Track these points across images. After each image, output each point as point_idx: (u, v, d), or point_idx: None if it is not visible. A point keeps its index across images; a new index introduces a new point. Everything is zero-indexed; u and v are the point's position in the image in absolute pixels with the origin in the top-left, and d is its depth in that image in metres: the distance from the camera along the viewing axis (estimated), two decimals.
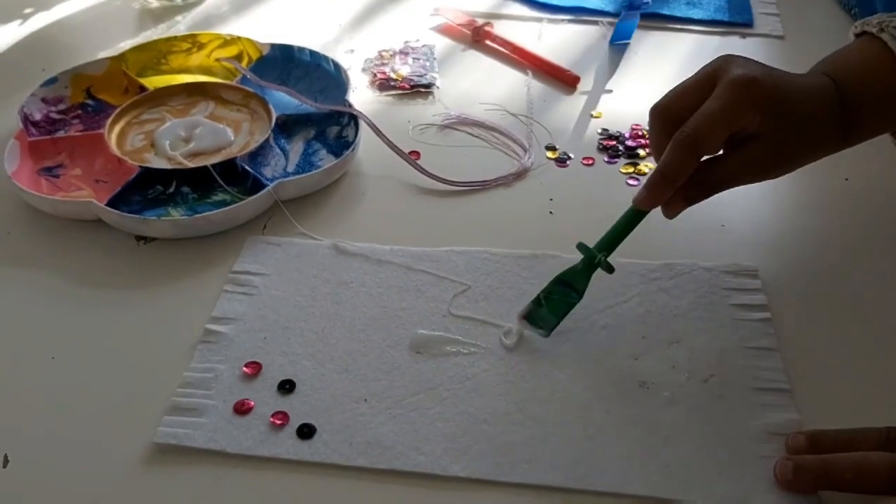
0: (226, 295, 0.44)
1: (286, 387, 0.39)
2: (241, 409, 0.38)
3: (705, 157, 0.40)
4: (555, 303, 0.41)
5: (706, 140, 0.38)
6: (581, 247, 0.41)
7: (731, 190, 0.51)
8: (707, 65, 0.40)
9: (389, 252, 0.46)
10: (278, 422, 0.37)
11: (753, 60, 0.40)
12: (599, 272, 0.40)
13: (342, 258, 0.46)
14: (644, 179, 0.52)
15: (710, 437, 0.36)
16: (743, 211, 0.50)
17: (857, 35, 0.43)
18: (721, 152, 0.41)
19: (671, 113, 0.40)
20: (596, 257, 0.40)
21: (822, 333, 0.42)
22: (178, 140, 0.54)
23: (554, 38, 0.68)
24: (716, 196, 0.51)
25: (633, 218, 0.40)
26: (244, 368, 0.40)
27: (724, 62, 0.40)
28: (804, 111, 0.40)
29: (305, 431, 0.37)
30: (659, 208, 0.41)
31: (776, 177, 0.42)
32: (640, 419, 0.37)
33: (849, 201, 0.51)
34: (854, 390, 0.39)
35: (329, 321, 0.42)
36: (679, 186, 0.39)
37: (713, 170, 0.40)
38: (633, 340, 0.41)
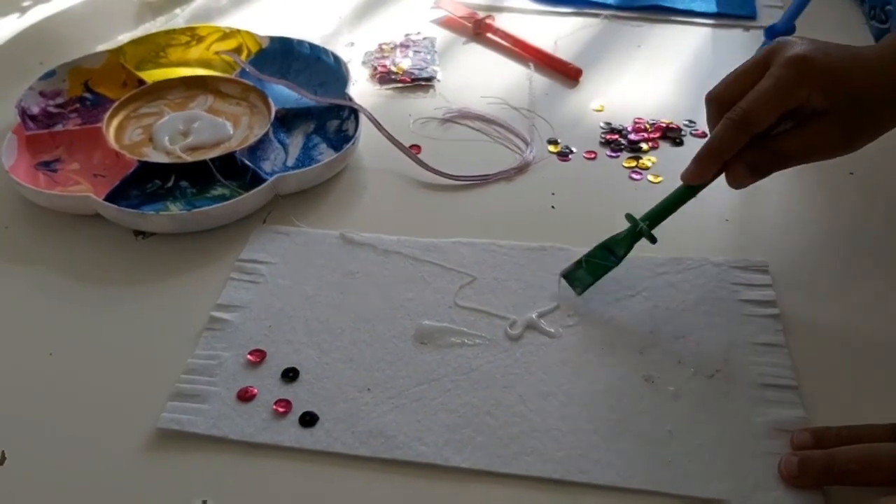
0: (232, 283, 0.44)
1: (290, 375, 0.39)
2: (245, 396, 0.38)
3: (775, 131, 0.40)
4: (594, 265, 0.42)
5: (756, 116, 0.38)
6: (628, 216, 0.42)
7: None
8: (759, 51, 0.41)
9: (396, 242, 0.46)
10: (281, 409, 0.37)
11: (810, 39, 0.40)
12: (644, 243, 0.41)
13: (349, 248, 0.46)
14: (646, 174, 0.52)
15: (715, 432, 0.36)
16: (748, 205, 0.50)
17: None
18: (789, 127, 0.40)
19: (725, 99, 0.40)
20: (638, 226, 0.41)
21: (829, 330, 0.41)
22: (176, 134, 0.54)
23: (555, 32, 0.68)
24: (721, 190, 0.51)
25: (683, 194, 0.41)
26: (248, 356, 0.40)
27: (778, 44, 0.40)
28: (869, 84, 0.39)
29: (308, 420, 0.37)
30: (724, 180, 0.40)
31: (853, 150, 0.41)
32: (644, 413, 0.37)
33: (854, 195, 0.50)
34: (861, 388, 0.39)
35: (334, 310, 0.42)
36: (745, 159, 0.39)
37: (782, 142, 0.40)
38: (639, 334, 0.41)
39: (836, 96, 0.38)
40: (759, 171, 0.40)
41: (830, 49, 0.40)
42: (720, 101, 0.40)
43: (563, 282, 0.42)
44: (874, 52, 0.40)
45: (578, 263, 0.42)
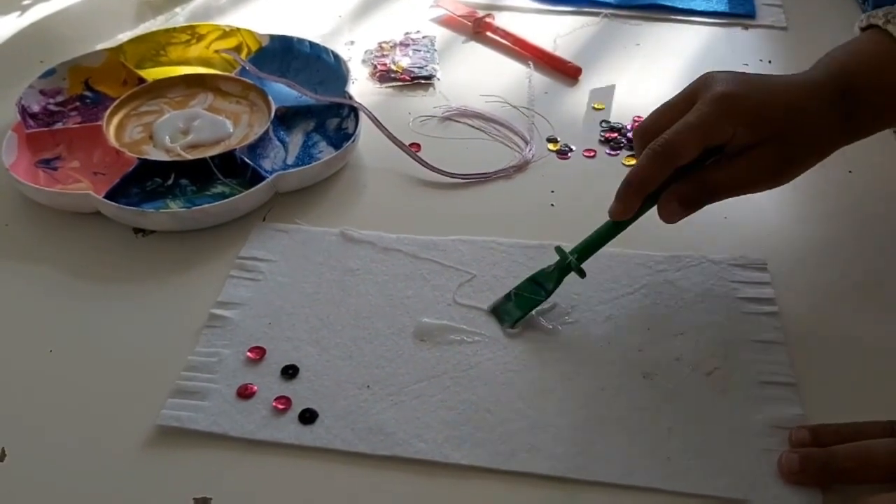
0: (231, 280, 0.44)
1: (289, 372, 0.39)
2: (245, 393, 0.38)
3: (709, 161, 0.40)
4: (523, 299, 0.41)
5: (678, 149, 0.38)
6: (558, 249, 0.42)
7: None
8: (689, 84, 0.41)
9: (396, 240, 0.46)
10: (281, 406, 0.37)
11: (736, 73, 0.40)
12: (574, 277, 0.41)
13: (349, 245, 0.46)
14: None
15: (714, 429, 0.36)
16: (747, 204, 0.49)
17: (864, 29, 0.43)
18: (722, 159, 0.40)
19: (651, 132, 0.40)
20: (567, 259, 0.41)
21: (828, 327, 0.41)
22: (176, 132, 0.54)
23: (555, 31, 0.68)
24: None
25: (610, 229, 0.41)
26: (248, 353, 0.40)
27: (705, 79, 0.40)
28: (795, 115, 0.39)
29: (307, 417, 0.37)
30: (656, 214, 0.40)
31: (782, 183, 0.41)
32: (643, 410, 0.37)
33: (853, 194, 0.51)
34: (859, 385, 0.39)
35: (334, 308, 0.42)
36: (675, 192, 0.39)
37: (712, 175, 0.40)
38: (638, 332, 0.41)
39: (764, 131, 0.38)
40: (690, 204, 0.40)
41: (755, 84, 0.40)
42: (647, 134, 0.40)
43: (492, 316, 0.41)
44: (804, 82, 0.41)
45: (507, 297, 0.42)
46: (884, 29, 0.41)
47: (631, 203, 0.39)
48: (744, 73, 0.41)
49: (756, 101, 0.39)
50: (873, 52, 0.41)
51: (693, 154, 0.39)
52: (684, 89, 0.41)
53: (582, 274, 0.41)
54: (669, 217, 0.40)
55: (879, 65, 0.40)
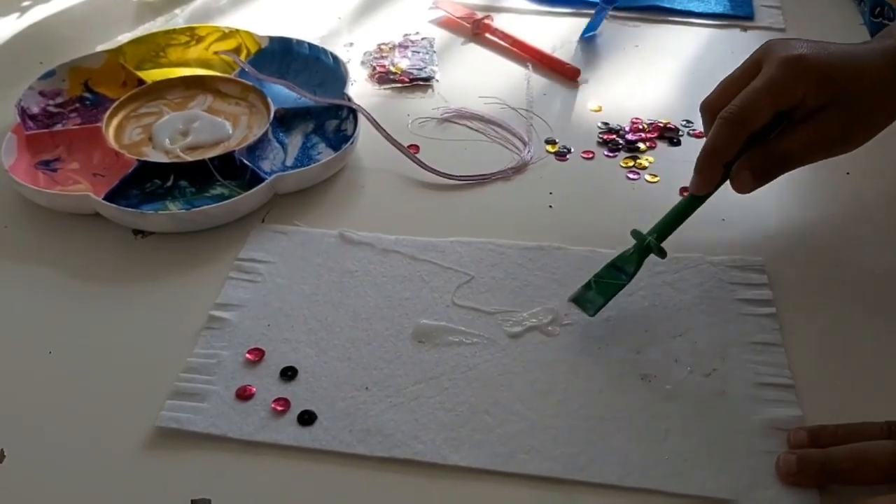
0: (230, 282, 0.44)
1: (288, 374, 0.39)
2: (243, 394, 0.38)
3: (780, 130, 0.40)
4: (604, 285, 0.41)
5: (749, 114, 0.38)
6: (634, 233, 0.41)
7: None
8: (750, 55, 0.41)
9: (394, 242, 0.46)
10: (280, 408, 0.37)
11: (800, 39, 0.40)
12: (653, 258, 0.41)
13: (347, 247, 0.46)
14: (644, 173, 0.53)
15: (712, 431, 0.36)
16: (744, 206, 0.50)
17: None
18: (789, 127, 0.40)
19: (719, 105, 0.40)
20: (646, 240, 0.41)
21: (825, 329, 0.42)
22: (176, 134, 0.54)
23: (554, 32, 0.68)
24: (718, 190, 0.51)
25: (688, 204, 0.41)
26: (247, 355, 0.40)
27: (767, 47, 0.40)
28: (862, 75, 0.39)
29: (306, 418, 0.37)
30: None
31: (852, 147, 0.41)
32: (641, 412, 0.37)
33: (850, 196, 0.51)
34: (857, 386, 0.39)
35: (333, 309, 0.42)
36: (747, 163, 0.39)
37: (782, 142, 0.40)
38: (636, 333, 0.41)
39: (832, 92, 0.38)
40: (763, 174, 0.40)
41: (823, 47, 0.40)
42: (714, 107, 0.40)
43: (574, 305, 0.42)
44: (866, 48, 0.40)
45: (587, 285, 0.42)
46: None
47: (710, 175, 0.39)
48: (805, 39, 0.40)
49: (823, 61, 0.38)
50: None
51: (765, 118, 0.39)
52: (746, 60, 0.41)
53: (662, 254, 0.41)
54: (742, 188, 0.40)
55: None
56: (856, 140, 0.41)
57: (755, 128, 0.39)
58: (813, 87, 0.38)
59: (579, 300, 0.42)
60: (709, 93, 0.42)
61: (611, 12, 0.70)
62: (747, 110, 0.38)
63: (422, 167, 0.52)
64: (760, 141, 0.40)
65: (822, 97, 0.39)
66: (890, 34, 0.41)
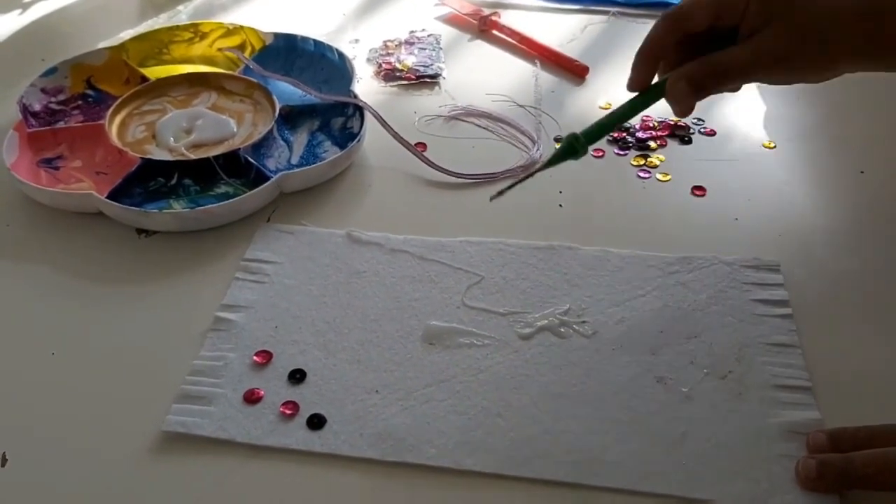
0: (237, 283, 0.43)
1: (296, 376, 0.38)
2: (251, 398, 0.37)
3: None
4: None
5: (689, 11, 0.37)
6: (569, 136, 0.39)
7: (747, 183, 0.51)
8: None
9: (403, 242, 0.46)
10: (288, 412, 0.37)
11: None
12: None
13: (355, 247, 0.45)
14: (654, 172, 0.52)
15: (729, 434, 0.36)
16: (758, 205, 0.49)
17: None
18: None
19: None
20: (575, 138, 0.38)
21: (843, 329, 0.41)
22: (180, 131, 0.53)
23: (561, 29, 0.67)
24: (729, 189, 0.50)
25: (627, 108, 0.39)
26: (254, 357, 0.39)
27: None
28: (818, 12, 0.37)
29: (315, 422, 0.36)
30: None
31: (799, 77, 0.39)
32: (656, 415, 0.36)
33: (865, 194, 0.50)
34: (877, 388, 0.38)
35: (341, 311, 0.42)
36: (684, 72, 0.37)
37: (721, 54, 0.38)
38: (650, 335, 0.40)
39: (773, 8, 0.37)
40: (698, 85, 0.38)
41: None
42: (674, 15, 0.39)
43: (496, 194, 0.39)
44: None
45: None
46: None
47: (642, 70, 0.38)
48: None
49: None
50: None
51: (703, 20, 0.38)
52: None
53: (578, 153, 0.38)
54: (676, 97, 0.38)
55: None
56: (802, 67, 0.38)
57: (693, 28, 0.38)
58: None
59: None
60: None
61: (620, 9, 0.69)
62: (687, 7, 0.38)
63: (430, 166, 0.51)
64: (700, 48, 0.38)
65: (765, 9, 0.37)
66: None
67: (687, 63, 0.38)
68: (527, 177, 0.40)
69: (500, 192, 0.39)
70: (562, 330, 0.40)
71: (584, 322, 0.41)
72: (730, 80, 0.38)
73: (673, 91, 0.38)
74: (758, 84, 0.57)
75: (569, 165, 0.53)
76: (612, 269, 0.44)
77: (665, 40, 0.38)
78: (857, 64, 0.38)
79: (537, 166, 0.39)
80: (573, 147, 0.38)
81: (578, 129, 0.55)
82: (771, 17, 0.37)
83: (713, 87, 0.38)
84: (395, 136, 0.52)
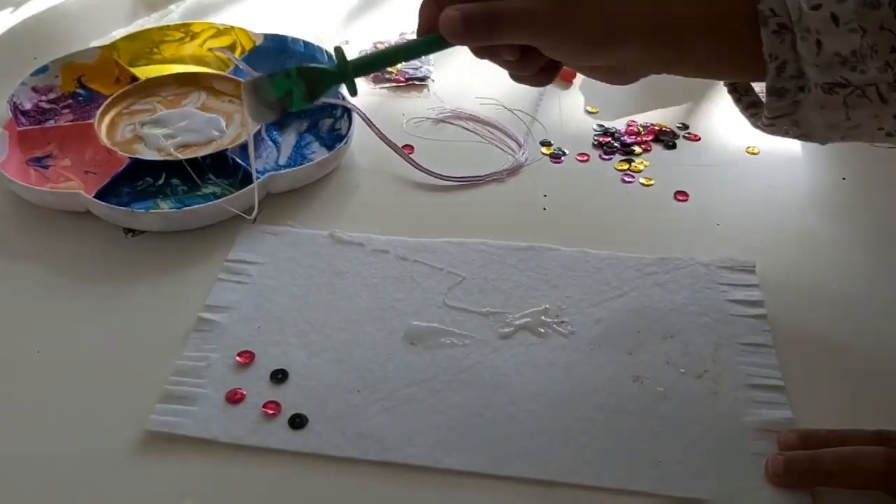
0: (220, 283, 0.44)
1: (279, 376, 0.39)
2: (234, 398, 0.38)
3: None
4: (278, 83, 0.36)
5: None
6: (337, 50, 0.36)
7: (730, 188, 0.51)
8: None
9: (386, 242, 0.46)
10: (270, 411, 0.37)
11: None
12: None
13: (338, 248, 0.46)
14: (638, 176, 0.53)
15: (703, 433, 0.36)
16: (740, 210, 0.50)
17: None
18: None
19: None
20: (345, 64, 0.35)
21: (817, 331, 0.42)
22: (167, 131, 0.53)
23: None
24: (713, 194, 0.51)
25: (409, 48, 0.36)
26: (237, 357, 0.40)
27: None
28: None
29: (297, 422, 0.37)
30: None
31: (571, 47, 0.34)
32: (632, 414, 0.37)
33: (845, 200, 0.51)
34: (848, 389, 0.39)
35: (323, 311, 0.42)
36: (462, 7, 0.34)
37: (499, 2, 0.34)
38: (627, 335, 0.41)
39: None
40: (470, 22, 0.34)
41: None
42: None
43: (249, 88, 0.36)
44: None
45: (272, 74, 0.36)
46: None
47: (425, 12, 0.35)
48: None
49: None
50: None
51: None
52: None
53: (352, 88, 0.36)
54: (447, 26, 0.34)
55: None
56: (580, 32, 0.34)
57: None
58: None
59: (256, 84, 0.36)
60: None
61: None
62: None
63: (416, 168, 0.52)
64: None
65: None
66: None
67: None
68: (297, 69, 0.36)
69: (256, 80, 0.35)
70: (541, 330, 0.41)
71: (562, 322, 0.42)
72: (500, 30, 0.34)
73: (445, 19, 0.34)
74: None
75: (553, 170, 0.54)
76: (591, 270, 0.44)
77: None
78: (639, 45, 0.34)
79: (295, 67, 0.36)
80: (343, 69, 0.35)
81: (566, 135, 0.56)
82: None
83: (484, 32, 0.34)
84: (383, 137, 0.52)
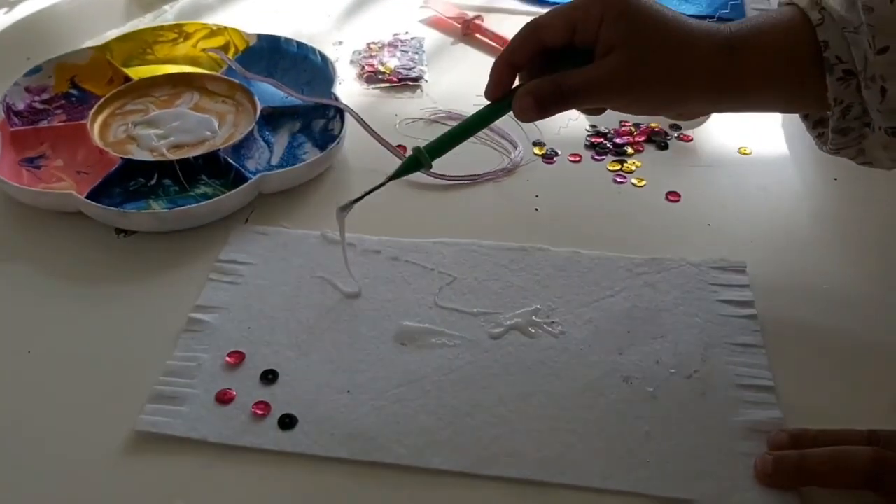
0: (211, 284, 0.44)
1: (269, 377, 0.39)
2: (223, 398, 0.38)
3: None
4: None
5: (546, 21, 0.37)
6: (416, 149, 0.39)
7: (722, 189, 0.52)
8: None
9: (377, 242, 0.46)
10: (260, 412, 0.37)
11: None
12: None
13: (330, 248, 0.46)
14: (630, 177, 0.53)
15: (693, 433, 0.36)
16: (731, 210, 0.50)
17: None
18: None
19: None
20: (418, 152, 0.39)
21: (807, 332, 0.42)
22: (161, 131, 0.53)
23: None
24: (705, 194, 0.51)
25: (475, 119, 0.39)
26: (227, 358, 0.40)
27: None
28: (666, 34, 0.36)
29: (287, 422, 0.37)
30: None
31: (636, 102, 0.38)
32: (622, 414, 0.37)
33: (837, 201, 0.51)
34: (838, 389, 0.39)
35: (314, 311, 0.42)
36: (532, 88, 0.37)
37: (567, 74, 0.37)
38: (618, 335, 0.41)
39: (625, 32, 0.36)
40: (544, 102, 0.37)
41: (656, 1, 0.37)
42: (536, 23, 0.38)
43: (338, 211, 0.41)
44: (696, 23, 0.37)
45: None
46: (791, 3, 0.37)
47: (497, 81, 0.38)
48: None
49: (634, 3, 0.36)
50: (772, 19, 0.37)
51: (560, 33, 0.37)
52: None
53: (427, 165, 0.39)
54: (521, 111, 0.37)
55: (770, 31, 0.37)
56: (648, 97, 0.37)
57: (549, 40, 0.37)
58: (608, 17, 0.36)
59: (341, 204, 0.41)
60: None
61: None
62: (544, 19, 0.37)
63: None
64: (553, 65, 0.37)
65: (614, 33, 0.36)
66: (729, 24, 0.38)
67: (539, 77, 0.37)
68: (376, 188, 0.40)
69: (350, 203, 0.41)
70: (531, 330, 0.41)
71: (553, 322, 0.42)
72: (574, 102, 0.38)
73: (518, 105, 0.37)
74: None
75: (545, 170, 0.54)
76: (582, 271, 0.44)
77: (523, 49, 0.38)
78: (707, 99, 0.38)
79: (384, 179, 0.40)
80: (418, 161, 0.39)
81: (559, 135, 0.56)
82: (621, 42, 0.36)
83: (558, 107, 0.38)
84: (376, 136, 0.52)
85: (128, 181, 0.50)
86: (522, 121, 0.38)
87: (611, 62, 0.36)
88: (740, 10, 0.70)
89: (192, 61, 0.62)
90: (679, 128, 0.57)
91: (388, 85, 0.61)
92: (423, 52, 0.65)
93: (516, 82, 0.39)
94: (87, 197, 0.47)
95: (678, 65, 0.37)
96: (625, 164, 0.54)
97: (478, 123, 0.39)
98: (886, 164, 0.37)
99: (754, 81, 0.37)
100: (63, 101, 0.57)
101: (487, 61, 0.64)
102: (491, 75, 0.38)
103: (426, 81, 0.61)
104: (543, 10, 0.72)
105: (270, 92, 0.57)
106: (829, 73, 0.35)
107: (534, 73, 0.38)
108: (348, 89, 0.60)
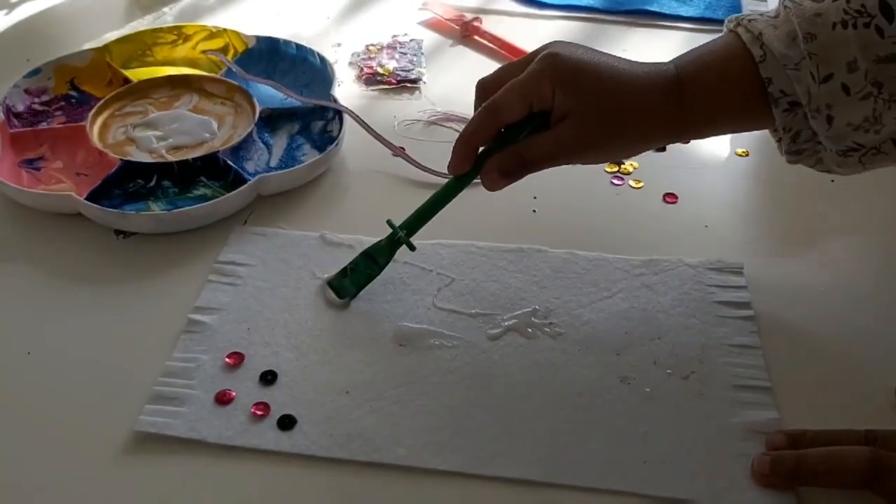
0: (210, 285, 0.44)
1: (268, 378, 0.39)
2: (223, 399, 0.38)
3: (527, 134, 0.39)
4: (358, 274, 0.43)
5: (503, 106, 0.38)
6: (389, 223, 0.42)
7: (719, 190, 0.52)
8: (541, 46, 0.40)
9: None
10: (259, 412, 0.37)
11: (581, 45, 0.39)
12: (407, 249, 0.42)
13: (328, 249, 0.46)
14: (627, 179, 0.53)
15: (690, 433, 0.36)
16: (729, 212, 0.50)
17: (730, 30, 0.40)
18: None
19: (490, 88, 0.40)
20: (397, 234, 0.42)
21: (804, 333, 0.42)
22: (160, 133, 0.54)
23: (543, 35, 0.68)
24: (702, 196, 0.52)
25: (443, 193, 0.41)
26: (226, 359, 0.40)
27: (550, 44, 0.40)
28: (617, 95, 0.38)
29: (286, 423, 0.37)
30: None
31: (596, 159, 0.41)
32: (620, 415, 0.37)
33: (833, 203, 0.51)
34: (835, 390, 0.39)
35: (313, 312, 0.42)
36: (495, 163, 0.39)
37: (526, 145, 0.39)
38: (615, 336, 0.41)
39: (576, 97, 0.37)
40: (509, 174, 0.40)
41: (594, 55, 0.39)
42: (486, 88, 0.40)
43: (329, 289, 0.43)
44: (637, 66, 0.39)
45: (343, 271, 0.43)
46: (734, 31, 0.38)
47: (461, 158, 0.40)
48: (592, 49, 0.39)
49: (579, 66, 0.38)
50: (714, 51, 0.38)
51: (518, 112, 0.38)
52: (534, 51, 0.40)
53: (412, 247, 0.42)
54: (491, 186, 0.40)
55: (713, 65, 0.38)
56: (609, 150, 0.40)
57: (509, 120, 0.39)
58: (560, 88, 0.37)
59: (334, 285, 0.43)
60: None
61: (599, 15, 0.70)
62: (501, 103, 0.38)
63: (415, 165, 0.52)
64: (512, 138, 0.39)
65: (567, 101, 0.37)
66: (684, 56, 0.39)
67: (498, 153, 0.39)
68: (369, 280, 0.43)
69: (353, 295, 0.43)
70: (529, 331, 0.41)
71: (551, 323, 0.42)
72: (537, 167, 0.40)
73: (487, 178, 0.40)
74: None
75: (543, 173, 0.53)
76: (580, 272, 0.45)
77: (484, 132, 0.39)
78: (666, 141, 0.41)
79: (378, 271, 0.43)
80: (398, 241, 0.42)
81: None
82: (575, 109, 0.38)
83: (523, 174, 0.40)
84: (378, 137, 0.53)
85: (127, 183, 0.50)
86: (491, 191, 0.41)
87: (566, 128, 0.38)
88: (737, 11, 0.70)
89: (192, 63, 0.62)
90: None
91: (386, 87, 0.61)
92: (422, 53, 0.65)
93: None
94: (86, 198, 0.47)
95: (633, 125, 0.39)
96: (622, 166, 0.54)
97: (447, 196, 0.42)
98: (843, 175, 0.39)
99: (707, 122, 0.39)
100: (62, 103, 0.57)
101: (486, 63, 0.65)
102: (454, 153, 0.40)
103: (425, 83, 0.62)
104: (540, 13, 0.73)
105: (269, 94, 0.57)
106: (775, 106, 0.37)
107: (496, 139, 0.40)
108: (347, 91, 0.60)
